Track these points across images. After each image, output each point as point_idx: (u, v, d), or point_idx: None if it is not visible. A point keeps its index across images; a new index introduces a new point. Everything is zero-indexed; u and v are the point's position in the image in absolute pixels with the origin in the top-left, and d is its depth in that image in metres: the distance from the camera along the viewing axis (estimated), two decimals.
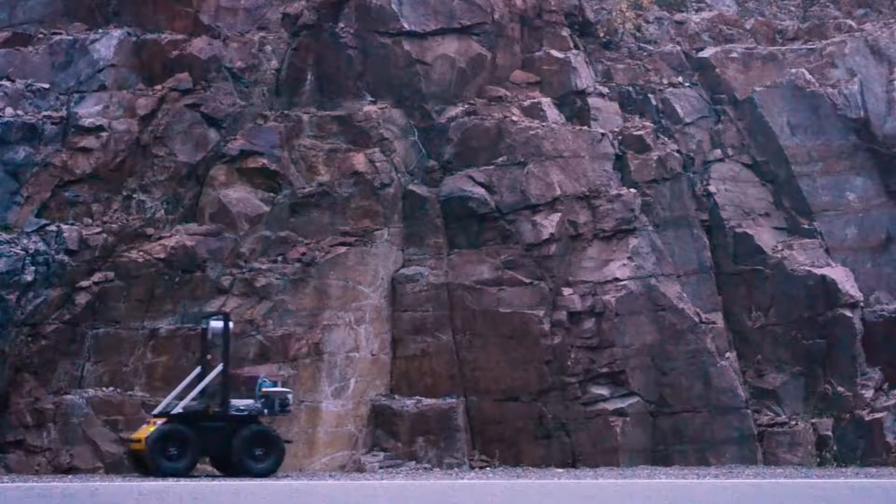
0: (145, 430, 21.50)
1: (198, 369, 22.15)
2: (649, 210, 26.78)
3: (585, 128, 27.17)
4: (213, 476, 21.56)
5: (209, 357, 22.23)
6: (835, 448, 26.00)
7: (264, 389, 21.90)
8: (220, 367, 21.77)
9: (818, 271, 27.01)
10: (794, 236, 27.77)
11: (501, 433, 25.03)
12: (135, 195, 25.13)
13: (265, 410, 21.75)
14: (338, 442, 24.69)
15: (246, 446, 21.18)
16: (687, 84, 28.81)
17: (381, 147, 26.15)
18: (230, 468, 21.44)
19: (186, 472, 20.93)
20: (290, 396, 22.17)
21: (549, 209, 26.06)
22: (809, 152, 28.19)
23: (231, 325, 22.28)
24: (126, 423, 23.48)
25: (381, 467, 24.29)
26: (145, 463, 21.32)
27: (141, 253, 24.50)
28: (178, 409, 21.53)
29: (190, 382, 22.09)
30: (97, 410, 23.47)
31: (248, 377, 22.89)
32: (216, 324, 22.14)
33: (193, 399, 21.79)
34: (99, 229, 24.53)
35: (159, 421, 21.44)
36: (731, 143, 28.38)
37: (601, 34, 29.39)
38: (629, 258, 25.95)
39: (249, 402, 21.82)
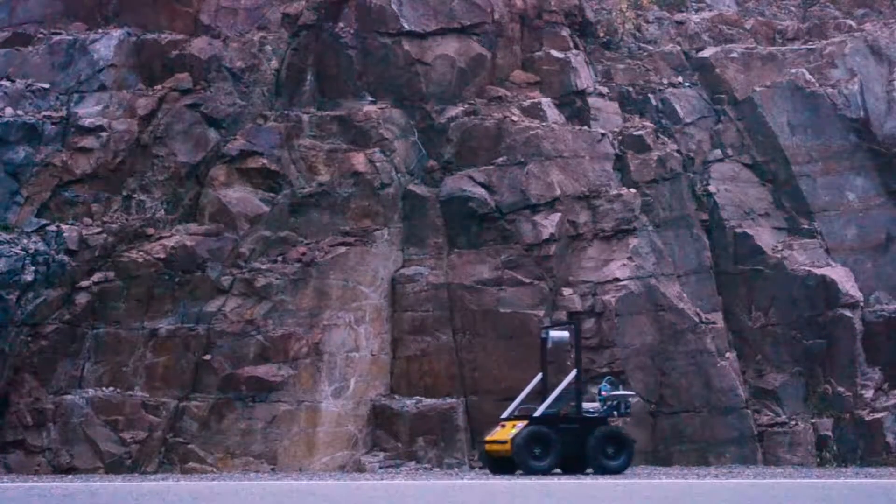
0: (504, 433, 22.49)
1: (539, 376, 23.36)
2: (649, 210, 26.79)
3: (585, 128, 27.19)
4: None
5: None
6: (835, 448, 26.01)
7: (604, 393, 22.98)
8: (573, 373, 22.93)
9: (818, 271, 27.02)
10: (794, 236, 27.78)
11: None
12: (135, 195, 25.15)
13: (614, 412, 22.92)
14: (338, 442, 24.71)
15: (600, 446, 22.33)
16: (687, 84, 28.82)
17: (381, 147, 26.16)
18: (578, 466, 22.62)
19: (549, 471, 22.10)
20: (631, 399, 23.33)
21: (549, 209, 26.07)
22: (809, 152, 28.20)
23: (576, 333, 23.34)
24: (126, 422, 23.51)
25: (381, 467, 24.31)
26: (504, 463, 22.46)
27: (141, 253, 24.52)
28: (539, 413, 22.66)
29: (533, 388, 23.30)
30: (97, 410, 23.48)
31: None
32: (556, 333, 23.24)
33: (551, 403, 22.89)
34: (99, 229, 24.55)
35: (519, 423, 22.47)
36: (731, 143, 28.39)
37: (601, 34, 29.39)
38: (629, 258, 25.97)
39: (596, 404, 23.00)
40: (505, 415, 23.18)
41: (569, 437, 22.43)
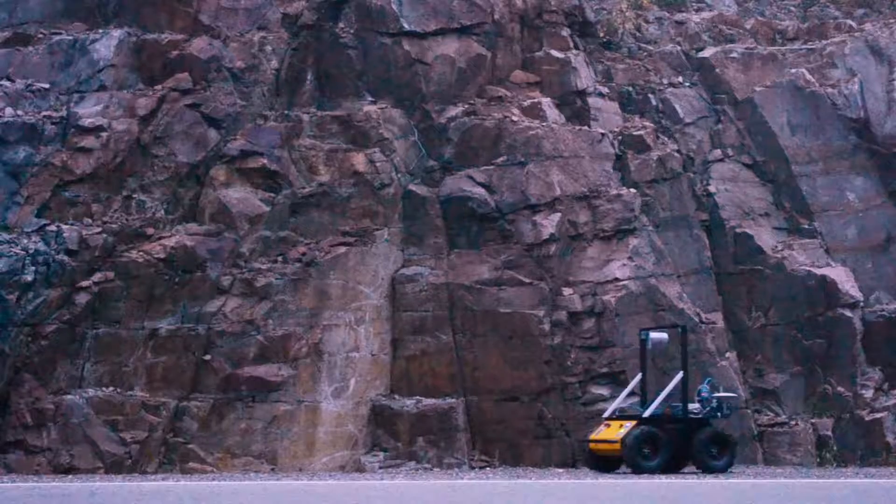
0: (611, 432, 22.85)
1: (639, 376, 23.83)
2: (649, 210, 26.79)
3: (585, 128, 27.17)
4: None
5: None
6: (835, 448, 26.01)
7: (703, 394, 23.45)
8: (680, 375, 23.34)
9: (818, 271, 27.01)
10: (794, 236, 27.78)
11: (501, 433, 25.03)
12: (135, 195, 25.14)
13: (718, 413, 23.37)
14: (338, 442, 24.71)
15: (705, 446, 22.84)
16: (687, 84, 28.82)
17: (381, 147, 26.15)
18: (675, 466, 22.99)
19: (658, 471, 22.41)
20: (734, 401, 23.92)
21: (549, 209, 26.06)
22: (809, 152, 28.20)
23: (684, 335, 23.81)
24: (126, 422, 23.50)
25: (381, 467, 24.31)
26: (610, 462, 22.91)
27: (141, 253, 24.50)
28: (648, 413, 23.07)
29: (633, 388, 23.86)
30: (97, 410, 23.47)
31: None
32: (656, 335, 23.72)
33: (660, 404, 23.34)
34: (99, 229, 24.54)
35: (627, 423, 22.82)
36: (731, 143, 28.38)
37: (601, 34, 29.38)
38: (629, 258, 25.95)
39: (698, 406, 23.44)
40: (607, 414, 23.48)
41: (676, 437, 22.80)
